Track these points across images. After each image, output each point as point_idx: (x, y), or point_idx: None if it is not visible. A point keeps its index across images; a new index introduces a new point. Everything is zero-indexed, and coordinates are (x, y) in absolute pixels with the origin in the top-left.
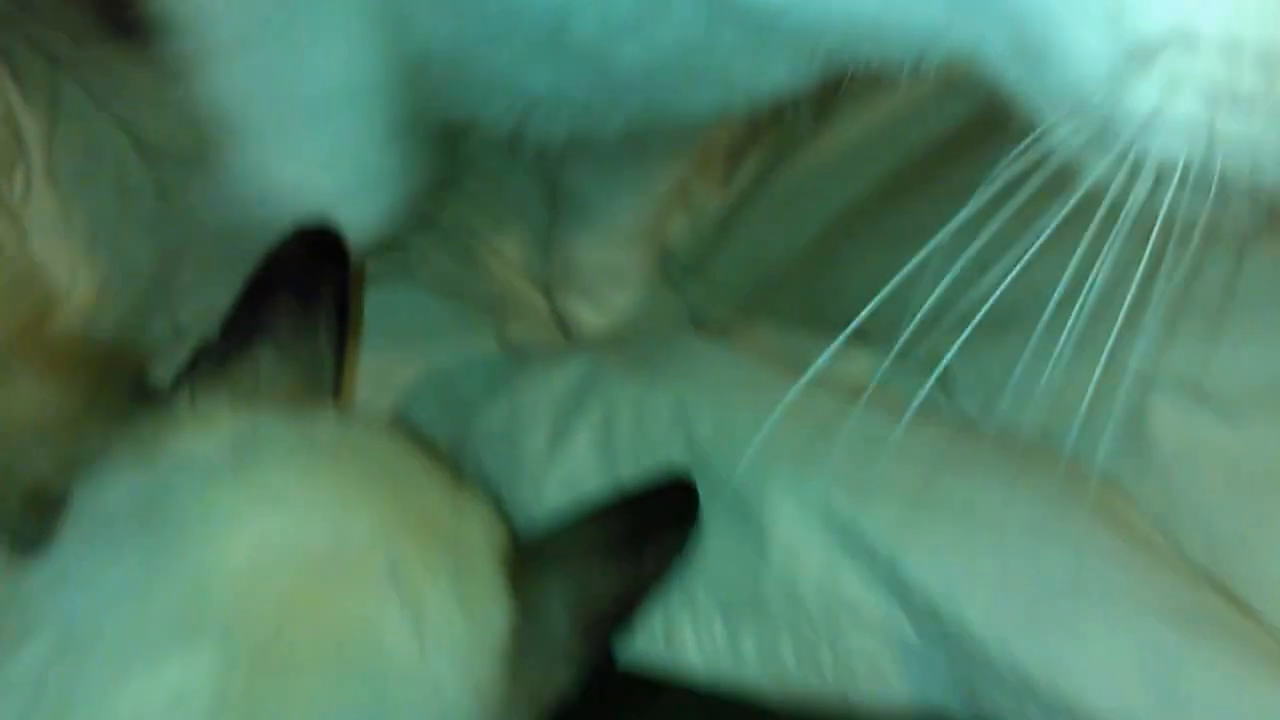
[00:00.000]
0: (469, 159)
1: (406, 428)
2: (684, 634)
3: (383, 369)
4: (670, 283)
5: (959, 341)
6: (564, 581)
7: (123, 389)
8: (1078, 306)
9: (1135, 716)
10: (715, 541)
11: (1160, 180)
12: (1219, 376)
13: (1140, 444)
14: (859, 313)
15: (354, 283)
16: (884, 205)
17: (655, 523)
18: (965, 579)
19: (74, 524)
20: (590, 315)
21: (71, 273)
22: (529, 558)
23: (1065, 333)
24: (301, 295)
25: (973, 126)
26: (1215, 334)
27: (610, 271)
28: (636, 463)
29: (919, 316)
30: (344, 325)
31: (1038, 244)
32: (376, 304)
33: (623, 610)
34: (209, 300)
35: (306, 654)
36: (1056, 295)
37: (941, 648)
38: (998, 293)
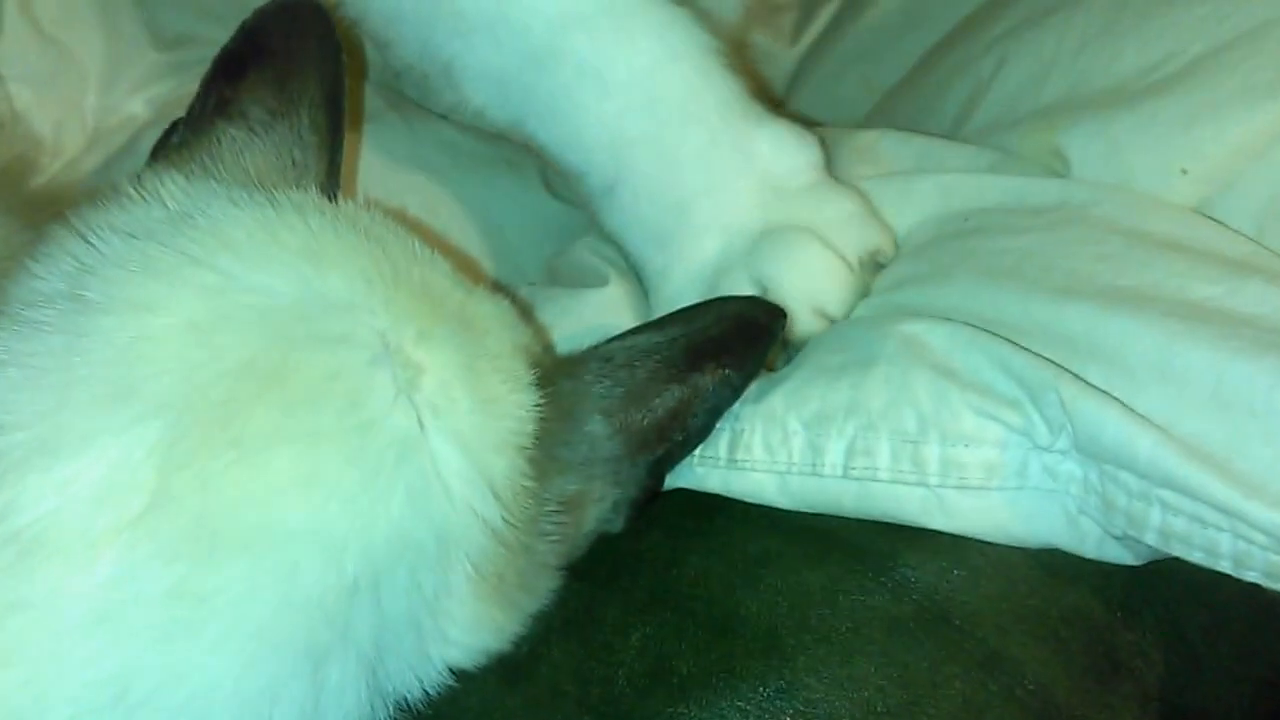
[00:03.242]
0: None
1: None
2: (752, 447)
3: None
4: None
5: None
6: (604, 382)
7: None
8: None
9: None
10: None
11: None
12: None
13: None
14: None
15: (353, 71)
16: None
17: (723, 336)
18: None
19: (2, 316)
20: None
21: (57, 125)
22: (568, 360)
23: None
24: (279, 74)
25: None
26: None
27: None
28: None
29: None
30: (337, 117)
31: None
32: (415, 131)
33: (676, 429)
34: None
35: (271, 421)
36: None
37: (1072, 445)
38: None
